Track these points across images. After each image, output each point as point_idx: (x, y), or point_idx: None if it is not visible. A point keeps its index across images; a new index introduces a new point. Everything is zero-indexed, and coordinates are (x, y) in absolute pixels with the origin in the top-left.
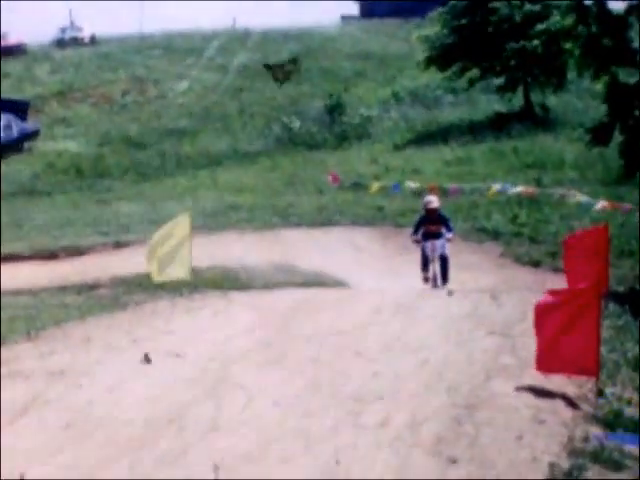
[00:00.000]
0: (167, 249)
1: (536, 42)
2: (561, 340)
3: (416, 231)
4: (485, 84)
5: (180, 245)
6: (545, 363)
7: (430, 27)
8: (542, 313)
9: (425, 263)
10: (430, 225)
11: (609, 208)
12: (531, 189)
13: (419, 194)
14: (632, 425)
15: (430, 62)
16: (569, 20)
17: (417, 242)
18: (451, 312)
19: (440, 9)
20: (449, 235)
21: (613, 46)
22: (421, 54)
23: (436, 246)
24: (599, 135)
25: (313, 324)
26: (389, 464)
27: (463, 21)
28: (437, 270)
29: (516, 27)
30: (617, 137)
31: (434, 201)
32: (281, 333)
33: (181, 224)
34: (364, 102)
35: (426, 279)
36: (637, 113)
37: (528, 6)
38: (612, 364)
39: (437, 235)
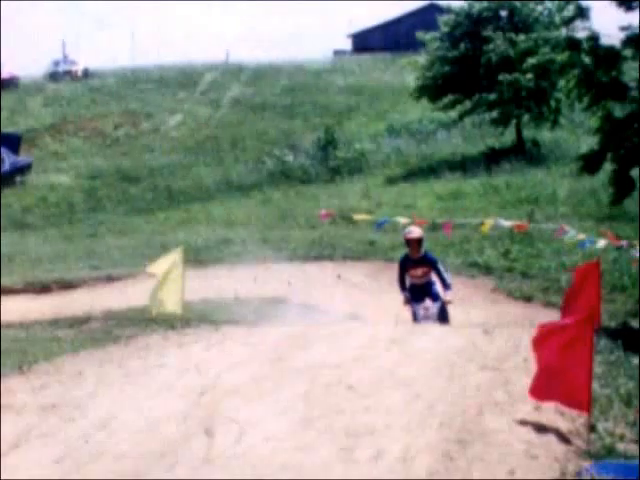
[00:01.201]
0: (160, 283)
1: (529, 76)
2: (554, 373)
3: (402, 279)
4: (478, 118)
5: (173, 279)
6: (539, 391)
7: (421, 55)
8: (539, 343)
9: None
10: (412, 268)
11: (602, 243)
12: (523, 224)
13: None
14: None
15: (421, 91)
16: (563, 56)
17: (407, 302)
18: (443, 346)
19: (431, 34)
20: (448, 296)
21: (607, 81)
22: (413, 83)
23: (430, 312)
24: (589, 163)
25: (305, 358)
26: None
27: (455, 52)
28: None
29: (508, 60)
30: (607, 170)
31: (414, 231)
32: (273, 367)
33: (174, 258)
34: (357, 136)
35: None
36: (628, 144)
37: (522, 37)
38: (605, 399)
39: (426, 287)
